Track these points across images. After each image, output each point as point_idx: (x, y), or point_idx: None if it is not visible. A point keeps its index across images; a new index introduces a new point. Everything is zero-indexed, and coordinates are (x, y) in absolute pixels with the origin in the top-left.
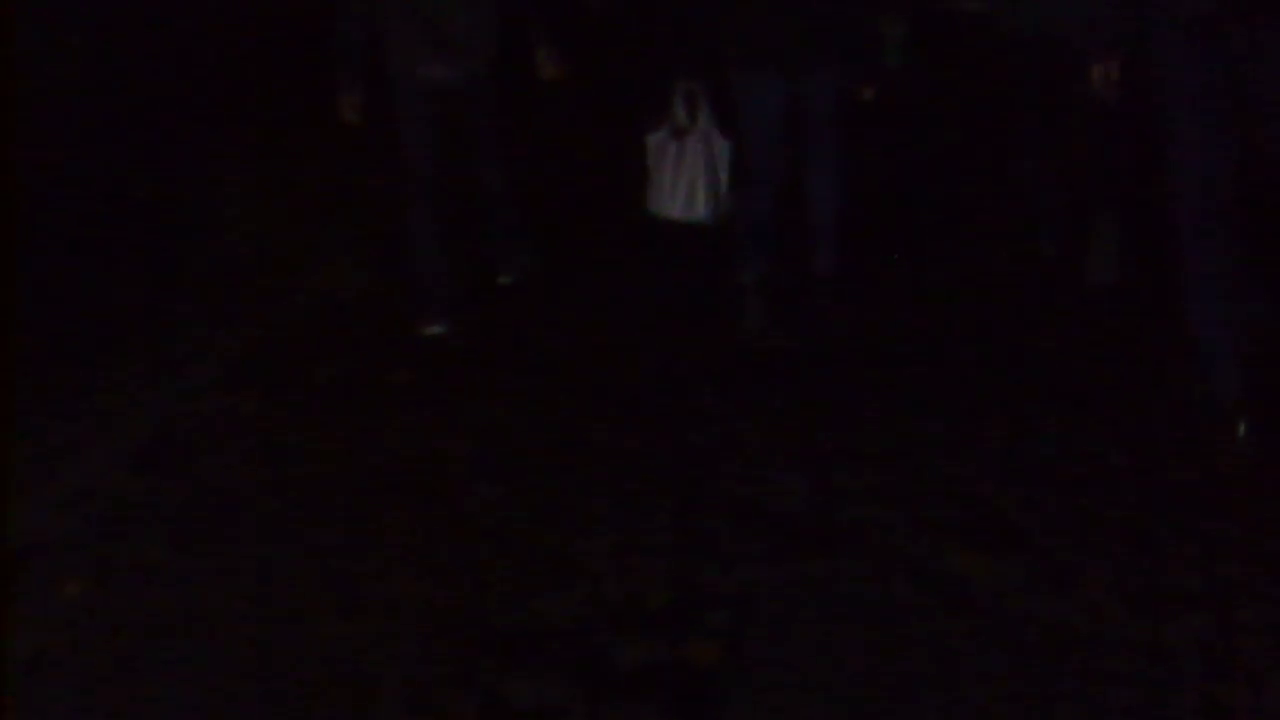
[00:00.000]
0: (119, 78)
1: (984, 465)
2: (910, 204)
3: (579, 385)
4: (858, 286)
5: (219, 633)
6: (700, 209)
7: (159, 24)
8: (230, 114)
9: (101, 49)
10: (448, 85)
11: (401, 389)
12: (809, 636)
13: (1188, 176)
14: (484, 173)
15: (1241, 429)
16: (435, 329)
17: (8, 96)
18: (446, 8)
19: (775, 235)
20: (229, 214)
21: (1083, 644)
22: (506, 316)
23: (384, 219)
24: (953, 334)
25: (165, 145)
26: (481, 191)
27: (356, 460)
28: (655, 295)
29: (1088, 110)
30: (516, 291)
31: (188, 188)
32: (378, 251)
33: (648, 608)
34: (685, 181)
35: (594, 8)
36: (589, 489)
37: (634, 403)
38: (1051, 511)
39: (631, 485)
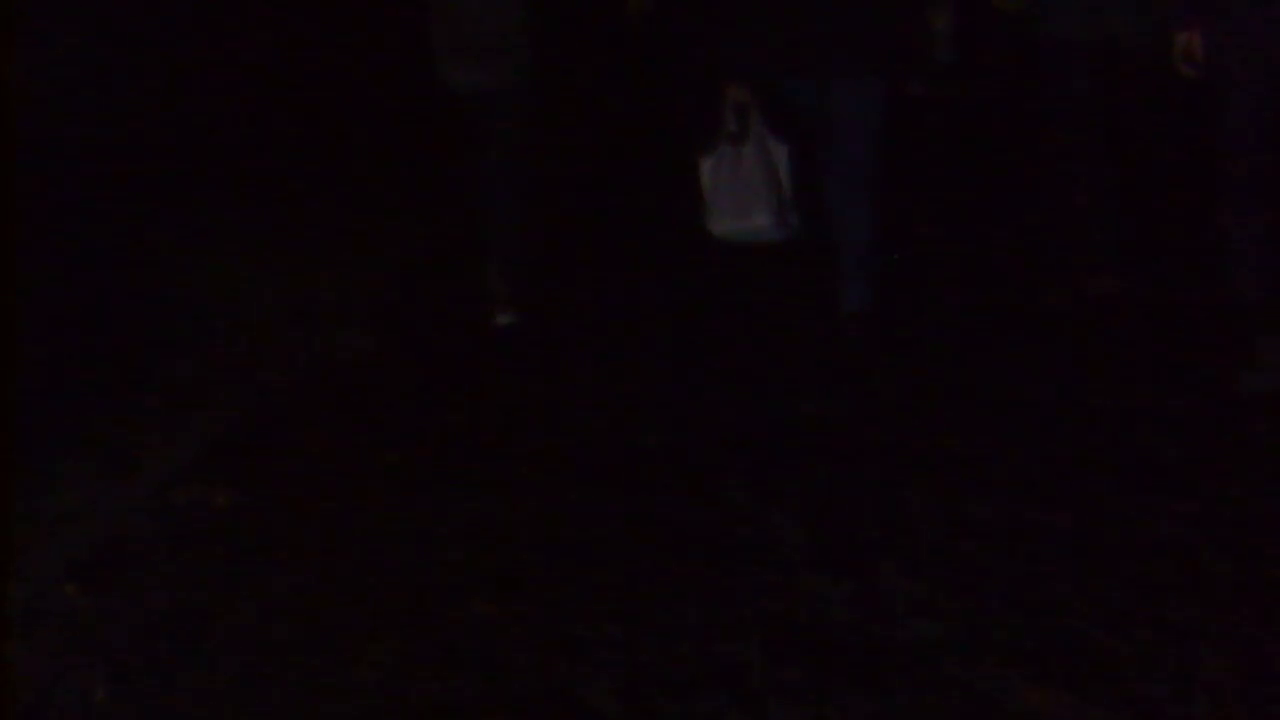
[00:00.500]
0: (100, 115)
1: (1052, 565)
2: (953, 231)
3: (587, 471)
4: (897, 333)
5: None
6: (761, 218)
7: (153, 57)
8: (222, 155)
9: (90, 81)
10: (476, 92)
11: (392, 474)
12: None
13: (1239, 141)
14: (505, 186)
15: None
16: (505, 319)
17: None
18: (474, 14)
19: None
20: (214, 269)
21: None
22: (507, 374)
23: (386, 276)
24: (1006, 393)
25: (148, 187)
26: (497, 210)
27: (335, 569)
28: (678, 348)
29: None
30: (521, 339)
31: (169, 236)
32: (378, 311)
33: None
34: (743, 191)
35: (634, 17)
36: (597, 607)
37: (649, 494)
38: (1138, 628)
39: (646, 601)
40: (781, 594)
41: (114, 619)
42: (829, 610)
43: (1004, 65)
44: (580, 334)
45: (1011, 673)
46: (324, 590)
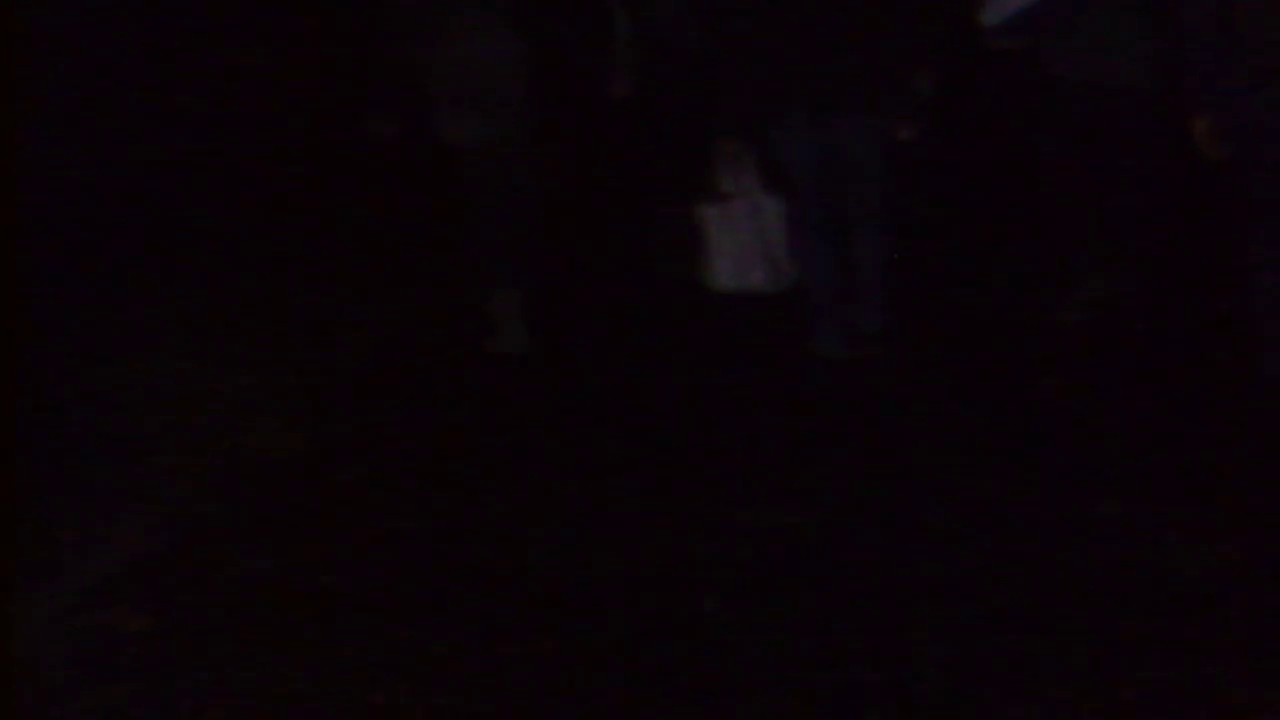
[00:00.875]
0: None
1: (1073, 711)
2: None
3: (543, 598)
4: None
5: None
6: (755, 276)
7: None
8: (162, 233)
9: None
10: (478, 145)
11: (324, 598)
12: None
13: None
14: (514, 234)
15: None
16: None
17: None
18: (474, 67)
19: (845, 295)
20: (141, 361)
21: None
22: (456, 477)
23: (331, 365)
24: (1005, 499)
25: (77, 270)
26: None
27: (256, 709)
28: (649, 441)
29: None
30: (473, 433)
31: (98, 323)
32: (319, 407)
33: None
34: (736, 249)
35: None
36: None
37: (613, 624)
38: None
39: None
40: None
41: None
42: None
43: (998, 108)
44: (541, 421)
45: None
46: None
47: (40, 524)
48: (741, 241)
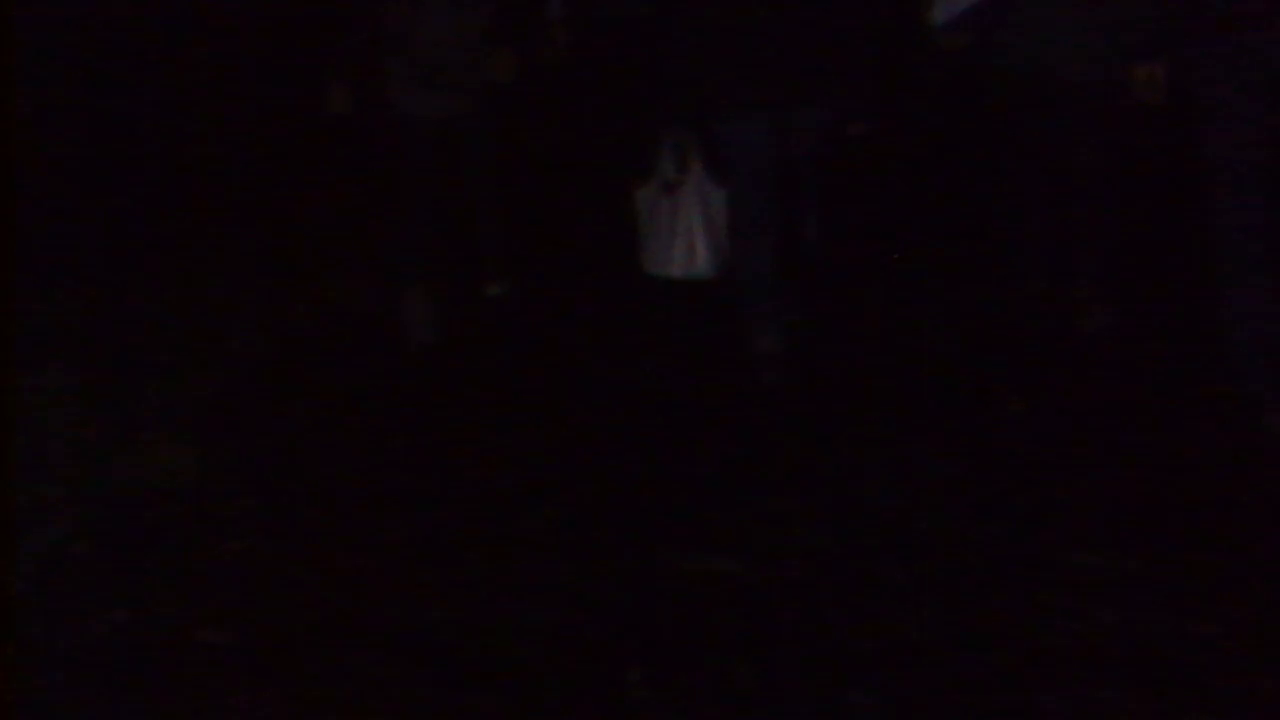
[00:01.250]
0: None
1: None
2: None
3: (450, 665)
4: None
5: None
6: (701, 264)
7: None
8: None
9: None
10: (436, 120)
11: (206, 658)
12: None
13: (1227, 191)
14: (477, 211)
15: None
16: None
17: None
18: (434, 42)
19: (784, 294)
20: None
21: None
22: (358, 510)
23: (229, 377)
24: (961, 543)
25: None
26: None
27: None
28: (569, 471)
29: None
30: (382, 460)
31: None
32: (213, 425)
33: None
34: (682, 237)
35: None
36: None
37: (527, 696)
38: None
39: None
40: None
41: None
42: None
43: (943, 107)
44: (450, 440)
45: None
46: None
47: None
48: (691, 231)
